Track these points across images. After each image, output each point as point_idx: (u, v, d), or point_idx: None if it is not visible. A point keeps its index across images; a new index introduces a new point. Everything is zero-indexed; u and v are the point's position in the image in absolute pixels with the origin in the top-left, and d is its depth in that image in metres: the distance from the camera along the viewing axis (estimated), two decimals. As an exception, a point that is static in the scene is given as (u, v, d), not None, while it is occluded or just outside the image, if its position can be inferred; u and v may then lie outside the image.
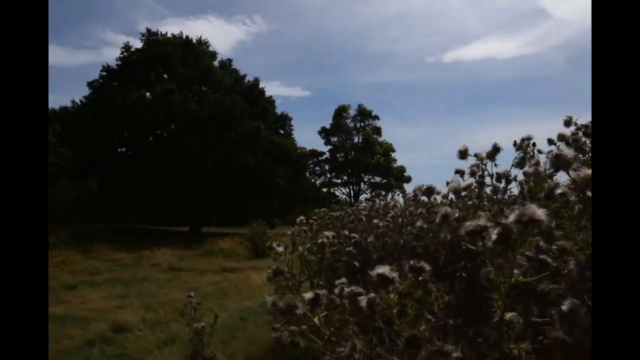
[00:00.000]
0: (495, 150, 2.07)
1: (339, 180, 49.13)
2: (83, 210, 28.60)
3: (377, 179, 47.92)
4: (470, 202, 2.10)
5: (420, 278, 1.22)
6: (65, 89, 73.85)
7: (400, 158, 52.75)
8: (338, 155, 48.72)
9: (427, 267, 1.20)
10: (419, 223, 2.72)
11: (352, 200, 46.04)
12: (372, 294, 1.13)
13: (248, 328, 6.21)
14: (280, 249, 2.96)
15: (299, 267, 3.52)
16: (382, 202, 4.21)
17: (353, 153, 47.88)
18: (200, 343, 4.11)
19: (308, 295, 1.17)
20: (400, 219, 3.26)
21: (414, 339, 0.98)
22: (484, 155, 2.10)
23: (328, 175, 49.21)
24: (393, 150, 48.85)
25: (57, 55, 60.38)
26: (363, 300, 1.13)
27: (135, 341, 5.89)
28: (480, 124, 72.61)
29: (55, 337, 6.10)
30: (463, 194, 2.02)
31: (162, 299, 8.46)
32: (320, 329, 1.19)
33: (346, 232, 3.49)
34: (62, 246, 15.71)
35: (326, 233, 2.91)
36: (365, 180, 48.70)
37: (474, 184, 2.01)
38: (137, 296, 8.92)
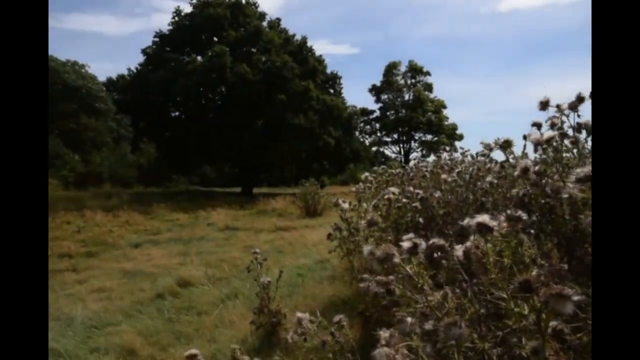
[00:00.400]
0: (579, 100, 1.98)
1: (389, 139, 48.62)
2: (140, 174, 29.76)
3: (428, 136, 47.10)
4: (551, 155, 2.03)
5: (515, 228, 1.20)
6: (122, 58, 75.86)
7: (452, 115, 51.51)
8: (388, 113, 47.99)
9: (525, 217, 1.18)
10: (488, 178, 2.66)
11: (403, 159, 45.59)
12: (468, 243, 1.13)
13: (306, 284, 6.37)
14: (346, 205, 2.98)
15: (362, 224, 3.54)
16: (448, 158, 4.12)
17: (404, 111, 47.06)
18: (266, 297, 4.25)
19: (406, 243, 1.17)
20: (467, 175, 3.20)
21: (527, 283, 0.97)
22: (565, 106, 2.02)
23: (378, 134, 48.74)
24: (445, 107, 47.74)
25: (112, 25, 61.87)
26: (459, 250, 1.13)
27: (201, 295, 6.18)
28: (540, 77, 69.52)
29: (130, 290, 6.56)
30: (544, 146, 1.96)
31: (221, 257, 8.74)
32: (412, 278, 1.20)
33: (411, 189, 3.46)
34: (126, 207, 16.54)
35: (391, 189, 2.90)
36: (416, 138, 47.95)
37: (556, 136, 1.94)
38: (197, 254, 9.24)
